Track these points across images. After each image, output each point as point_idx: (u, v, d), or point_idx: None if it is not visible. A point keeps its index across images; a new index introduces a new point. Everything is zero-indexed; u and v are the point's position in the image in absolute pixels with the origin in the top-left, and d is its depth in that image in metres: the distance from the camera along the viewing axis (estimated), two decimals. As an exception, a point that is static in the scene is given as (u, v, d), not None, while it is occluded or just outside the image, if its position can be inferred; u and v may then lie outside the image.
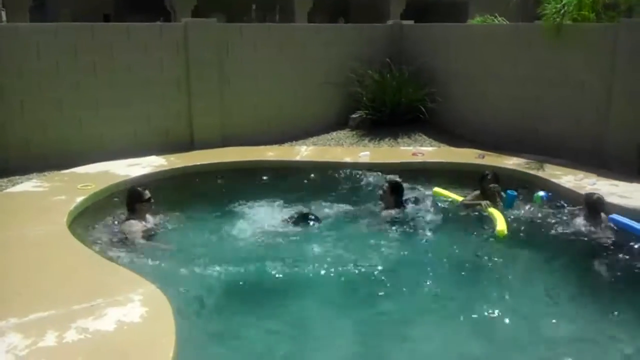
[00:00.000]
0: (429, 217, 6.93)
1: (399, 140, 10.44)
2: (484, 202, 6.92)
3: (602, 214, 6.56)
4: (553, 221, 6.81)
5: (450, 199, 7.49)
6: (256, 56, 10.34)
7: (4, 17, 21.34)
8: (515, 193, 7.01)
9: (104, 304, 4.51)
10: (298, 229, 6.50)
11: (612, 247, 6.15)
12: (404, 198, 7.06)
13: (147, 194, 6.52)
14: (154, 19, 10.96)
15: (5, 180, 8.05)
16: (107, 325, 4.21)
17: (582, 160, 8.61)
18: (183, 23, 9.91)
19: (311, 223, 6.54)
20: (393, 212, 6.79)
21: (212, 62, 9.85)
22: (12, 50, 8.55)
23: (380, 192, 6.90)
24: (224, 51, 10.01)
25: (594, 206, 6.54)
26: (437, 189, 7.68)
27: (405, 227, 6.64)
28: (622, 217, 6.45)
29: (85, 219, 6.78)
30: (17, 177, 8.15)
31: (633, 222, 6.33)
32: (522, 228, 6.68)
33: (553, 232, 6.60)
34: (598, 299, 5.31)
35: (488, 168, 8.11)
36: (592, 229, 6.45)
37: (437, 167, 8.77)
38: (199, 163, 8.83)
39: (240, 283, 5.53)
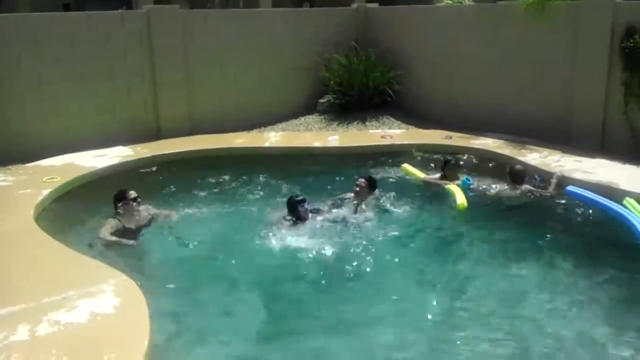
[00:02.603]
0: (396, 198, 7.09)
1: (368, 123, 10.48)
2: (442, 182, 7.41)
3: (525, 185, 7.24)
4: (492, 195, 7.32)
5: (414, 176, 7.83)
6: (221, 43, 10.24)
7: (-41, 9, 20.78)
8: (470, 181, 7.24)
9: (76, 295, 4.47)
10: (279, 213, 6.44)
11: (527, 209, 6.97)
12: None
13: (133, 193, 6.40)
14: (115, 7, 10.72)
15: (-32, 175, 7.87)
16: (79, 317, 4.19)
17: (548, 139, 8.77)
18: (145, 11, 9.74)
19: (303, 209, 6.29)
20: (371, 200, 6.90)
21: (176, 50, 9.73)
22: (-31, 43, 8.33)
23: (357, 188, 6.87)
24: (189, 38, 9.89)
25: (515, 176, 7.26)
26: (405, 165, 8.01)
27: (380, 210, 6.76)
28: (578, 189, 6.95)
29: (53, 212, 6.69)
30: (-20, 172, 7.97)
31: (589, 192, 6.87)
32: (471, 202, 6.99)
33: (492, 203, 7.15)
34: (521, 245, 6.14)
35: (455, 149, 8.40)
36: (514, 194, 7.16)
37: (406, 149, 8.82)
38: (167, 152, 8.76)
39: (215, 272, 5.54)
